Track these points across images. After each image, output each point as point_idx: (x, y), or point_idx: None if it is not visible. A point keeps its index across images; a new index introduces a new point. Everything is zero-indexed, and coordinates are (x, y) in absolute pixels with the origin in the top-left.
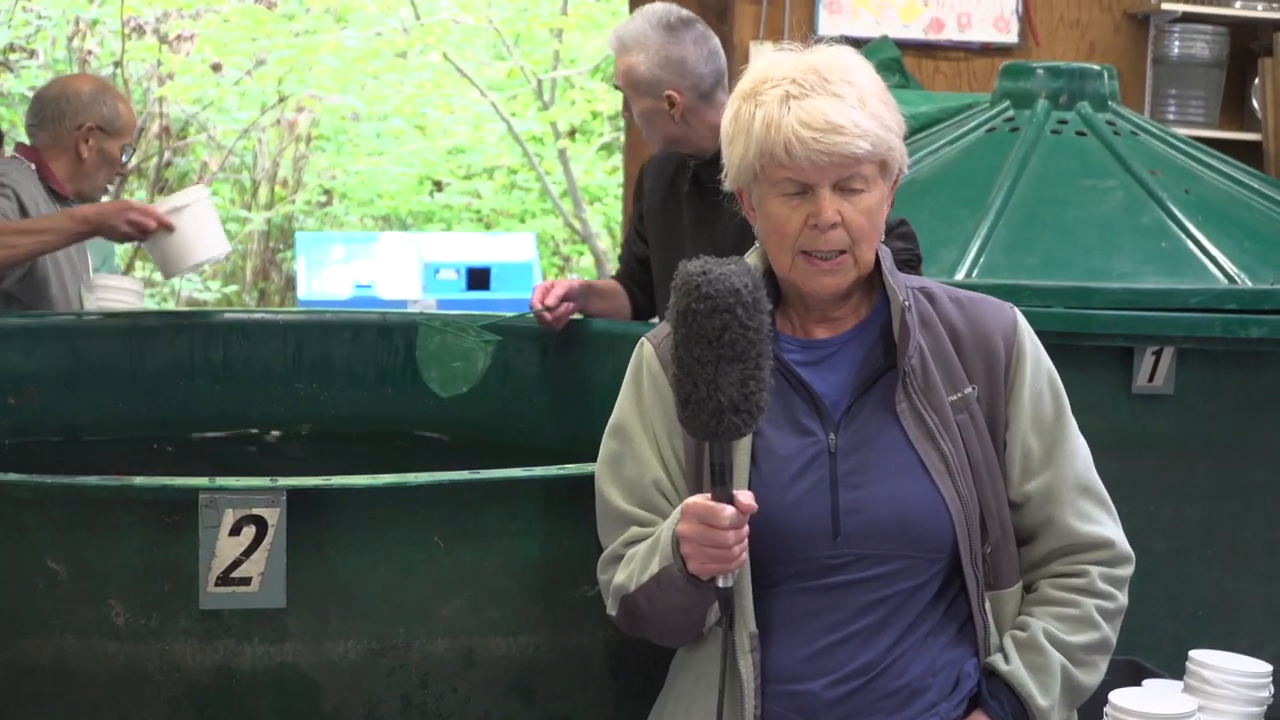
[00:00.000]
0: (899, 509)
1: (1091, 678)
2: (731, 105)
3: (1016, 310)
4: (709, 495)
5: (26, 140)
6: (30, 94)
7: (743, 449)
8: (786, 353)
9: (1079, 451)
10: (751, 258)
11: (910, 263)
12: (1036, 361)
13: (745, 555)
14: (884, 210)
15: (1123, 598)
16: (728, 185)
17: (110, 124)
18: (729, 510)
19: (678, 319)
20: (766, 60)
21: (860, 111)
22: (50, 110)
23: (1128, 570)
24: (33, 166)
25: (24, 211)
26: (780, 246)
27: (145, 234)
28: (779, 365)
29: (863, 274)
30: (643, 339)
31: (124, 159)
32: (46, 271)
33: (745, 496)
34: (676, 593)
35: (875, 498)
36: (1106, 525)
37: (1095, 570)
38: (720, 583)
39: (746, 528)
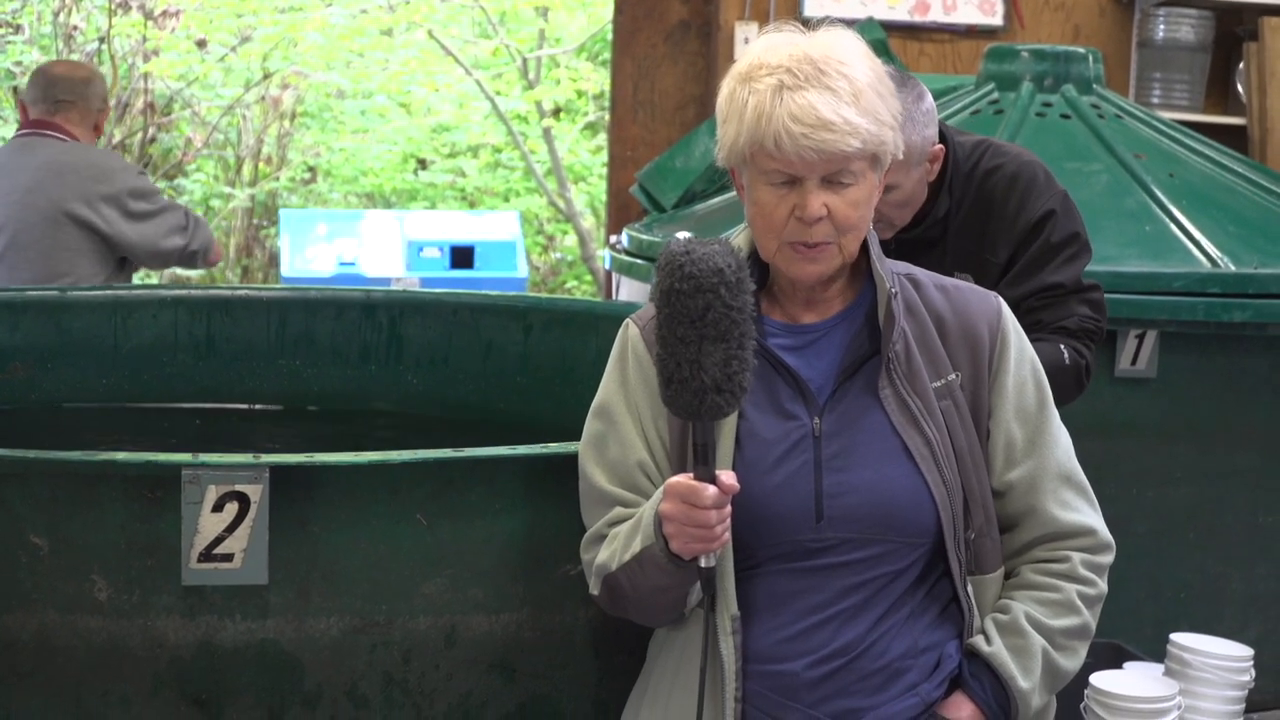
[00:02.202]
0: (882, 493)
1: (1071, 662)
2: (726, 85)
3: (1001, 299)
4: (692, 475)
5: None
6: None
7: (727, 432)
8: (771, 337)
9: (1061, 440)
10: (738, 239)
11: (1091, 333)
12: (1020, 350)
13: (727, 535)
14: (873, 201)
15: (1103, 585)
16: (720, 162)
17: (107, 105)
18: (711, 490)
19: (661, 298)
20: (764, 43)
21: (853, 107)
22: (80, 91)
23: (1108, 558)
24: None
25: None
26: (766, 234)
27: None
28: (763, 350)
29: (848, 262)
30: (628, 320)
31: None
32: None
33: (728, 476)
34: (658, 572)
35: (858, 482)
36: (1088, 514)
37: (1077, 556)
38: (702, 562)
39: (729, 508)
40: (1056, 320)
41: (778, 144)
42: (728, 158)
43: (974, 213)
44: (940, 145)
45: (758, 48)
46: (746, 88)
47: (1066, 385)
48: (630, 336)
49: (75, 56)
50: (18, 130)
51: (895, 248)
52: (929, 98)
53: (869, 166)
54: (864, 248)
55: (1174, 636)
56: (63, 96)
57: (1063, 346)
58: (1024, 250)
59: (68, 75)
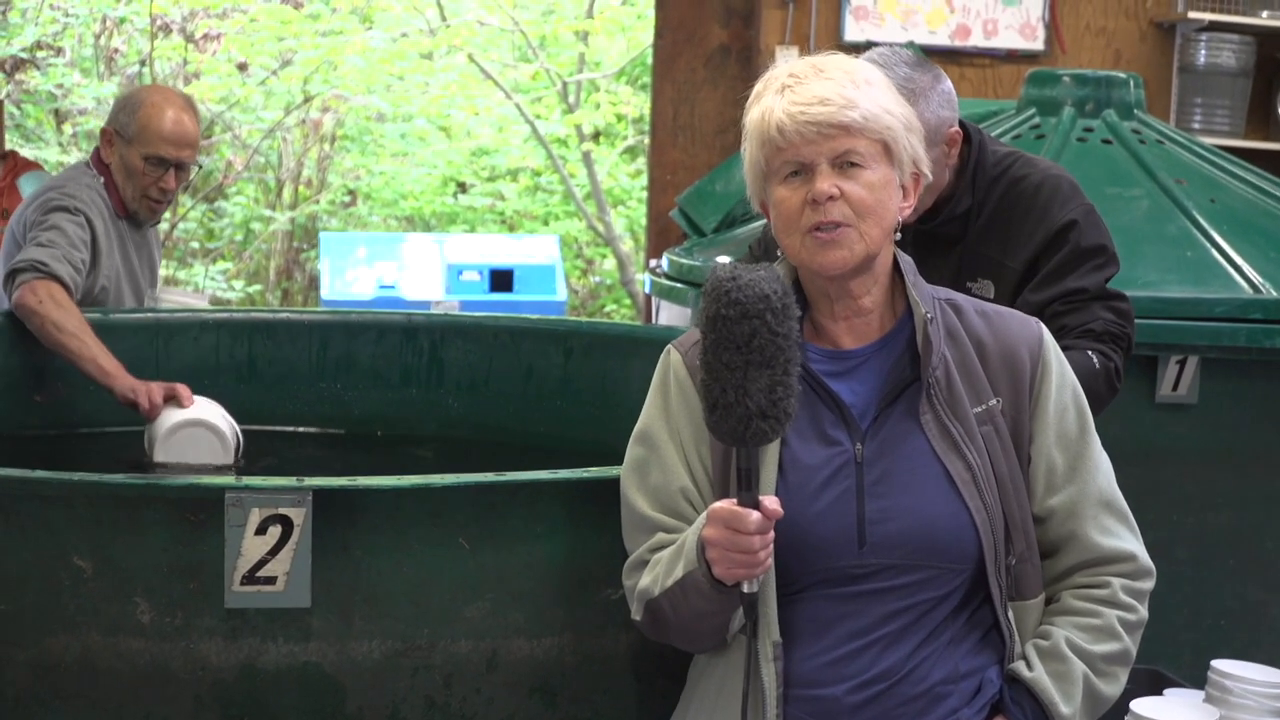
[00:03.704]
0: (924, 519)
1: (1112, 688)
2: (745, 117)
3: (1042, 325)
4: (735, 500)
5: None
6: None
7: (770, 459)
8: (814, 363)
9: (1102, 466)
10: (780, 268)
11: (1118, 337)
12: (1061, 376)
13: (770, 561)
14: (893, 194)
15: (1144, 611)
16: (750, 198)
17: (125, 129)
18: (755, 515)
19: (707, 324)
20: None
21: (851, 89)
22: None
23: (1149, 584)
24: (101, 179)
25: (94, 242)
26: (788, 230)
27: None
28: (807, 375)
29: (872, 252)
30: (670, 346)
31: (156, 170)
32: (107, 287)
33: (771, 502)
34: (701, 598)
35: (901, 508)
36: (1128, 540)
37: (1117, 582)
38: (745, 588)
39: (772, 533)
40: (1081, 324)
41: (780, 131)
42: (752, 184)
43: (996, 218)
44: (958, 130)
45: (766, 74)
46: (756, 104)
47: (1099, 391)
48: (673, 362)
49: (116, 79)
50: None
51: (913, 239)
52: (947, 82)
53: (881, 155)
54: (902, 274)
55: (1214, 663)
56: None
57: (1090, 352)
58: (1047, 258)
59: None
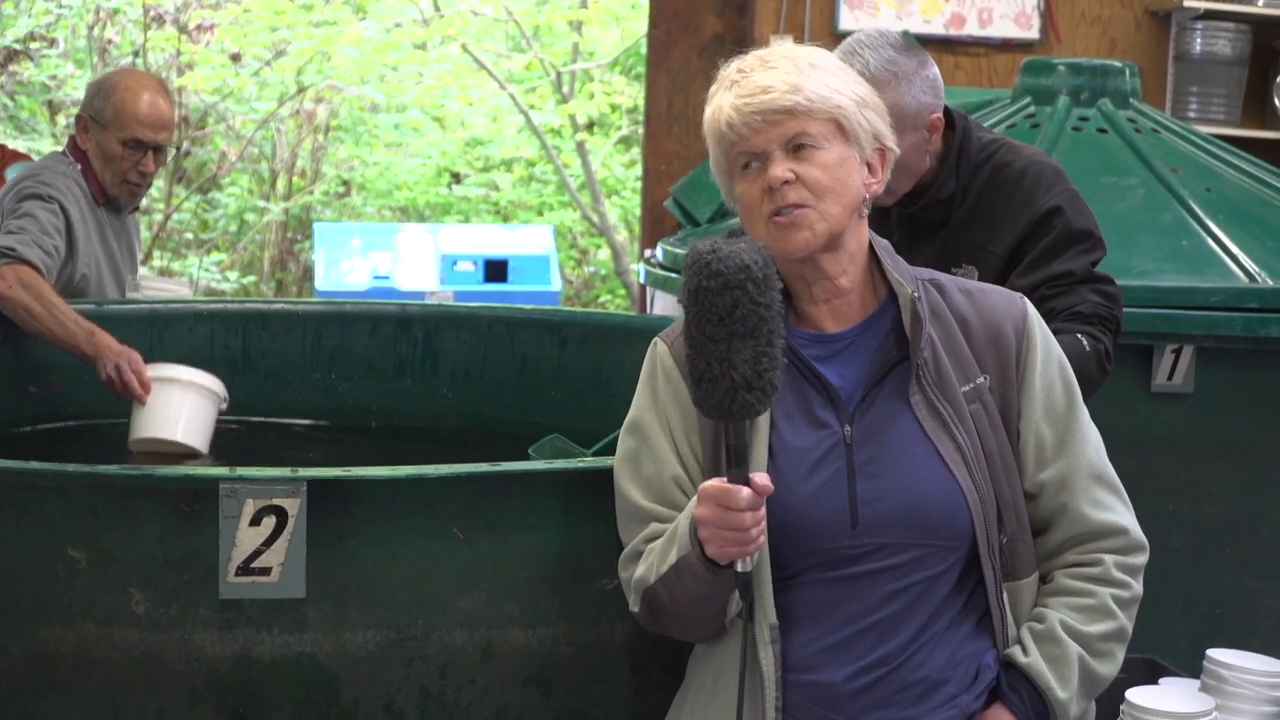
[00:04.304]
0: (916, 497)
1: (1109, 667)
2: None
3: (1026, 300)
4: (724, 479)
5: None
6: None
7: (760, 442)
8: (801, 347)
9: (1091, 439)
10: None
11: (1105, 320)
12: (1047, 351)
13: (763, 538)
14: (852, 171)
15: (1138, 586)
16: (730, 205)
17: (100, 114)
18: (745, 491)
19: (689, 297)
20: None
21: (795, 75)
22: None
23: (1142, 558)
24: (78, 166)
25: (70, 230)
26: (752, 221)
27: (122, 391)
28: (794, 359)
29: (835, 230)
30: (656, 338)
31: (134, 154)
32: (88, 275)
33: (761, 478)
34: (696, 580)
35: (892, 487)
36: (1120, 512)
37: (1110, 559)
38: (739, 567)
39: (764, 509)
40: (1069, 307)
41: (730, 126)
42: (721, 186)
43: (980, 204)
44: (940, 116)
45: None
46: (709, 103)
47: (1090, 374)
48: (659, 353)
49: (110, 71)
50: None
51: (898, 223)
52: (933, 68)
53: (835, 134)
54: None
55: (1210, 652)
56: None
57: (1080, 335)
58: (1033, 243)
59: None
